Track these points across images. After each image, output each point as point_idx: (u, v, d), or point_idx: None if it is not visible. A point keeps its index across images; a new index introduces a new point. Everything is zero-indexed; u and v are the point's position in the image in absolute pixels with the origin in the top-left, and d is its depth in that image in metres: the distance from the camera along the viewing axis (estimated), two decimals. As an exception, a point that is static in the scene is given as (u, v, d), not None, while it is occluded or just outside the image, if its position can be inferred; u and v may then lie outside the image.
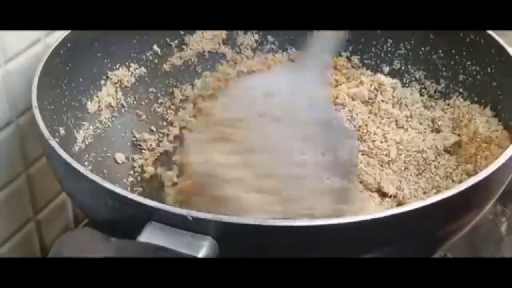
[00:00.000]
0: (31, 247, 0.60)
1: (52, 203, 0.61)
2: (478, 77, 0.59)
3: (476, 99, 0.59)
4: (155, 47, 0.64)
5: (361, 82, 0.63)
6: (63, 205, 0.63)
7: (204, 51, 0.66)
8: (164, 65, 0.64)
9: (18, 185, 0.57)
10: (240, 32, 0.66)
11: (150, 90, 0.64)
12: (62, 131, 0.54)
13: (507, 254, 0.60)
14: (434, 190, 0.56)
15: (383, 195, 0.57)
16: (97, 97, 0.59)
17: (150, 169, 0.60)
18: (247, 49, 0.67)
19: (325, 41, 0.54)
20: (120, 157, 0.60)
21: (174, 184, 0.58)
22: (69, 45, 0.55)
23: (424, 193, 0.56)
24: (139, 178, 0.60)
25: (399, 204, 0.56)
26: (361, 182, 0.57)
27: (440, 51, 0.62)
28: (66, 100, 0.55)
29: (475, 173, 0.49)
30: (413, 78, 0.64)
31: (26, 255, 0.59)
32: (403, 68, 0.65)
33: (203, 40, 0.65)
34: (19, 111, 0.55)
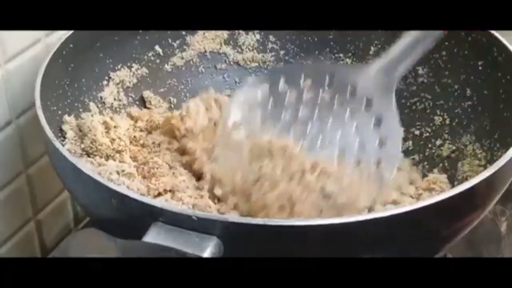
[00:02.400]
0: (31, 247, 0.60)
1: (52, 203, 0.61)
2: (482, 77, 0.59)
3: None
4: (157, 47, 0.63)
5: None
6: (63, 205, 0.63)
7: (205, 51, 0.66)
8: (166, 66, 0.64)
9: (18, 185, 0.57)
10: (242, 32, 0.66)
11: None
12: (64, 131, 0.54)
13: (507, 254, 0.61)
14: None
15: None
16: (100, 97, 0.59)
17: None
18: (249, 49, 0.67)
19: None
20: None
21: None
22: (71, 45, 0.55)
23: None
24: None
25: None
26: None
27: (442, 52, 0.62)
28: (68, 100, 0.55)
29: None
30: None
31: (26, 255, 0.59)
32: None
33: (205, 40, 0.65)
34: (19, 111, 0.55)
